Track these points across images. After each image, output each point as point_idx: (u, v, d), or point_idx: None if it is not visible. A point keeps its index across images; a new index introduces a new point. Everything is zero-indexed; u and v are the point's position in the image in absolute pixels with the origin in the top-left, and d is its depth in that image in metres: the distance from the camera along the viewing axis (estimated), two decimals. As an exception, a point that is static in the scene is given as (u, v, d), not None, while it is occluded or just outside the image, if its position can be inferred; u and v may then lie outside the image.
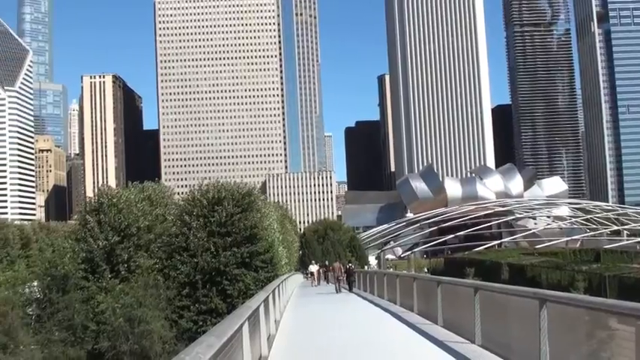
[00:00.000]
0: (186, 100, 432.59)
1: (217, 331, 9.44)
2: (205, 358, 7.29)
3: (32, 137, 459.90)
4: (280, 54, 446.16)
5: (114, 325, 49.45)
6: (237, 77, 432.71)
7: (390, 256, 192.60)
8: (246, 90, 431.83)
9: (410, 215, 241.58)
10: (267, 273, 59.15)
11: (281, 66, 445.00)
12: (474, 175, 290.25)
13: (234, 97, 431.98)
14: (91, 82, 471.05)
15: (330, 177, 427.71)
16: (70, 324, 53.06)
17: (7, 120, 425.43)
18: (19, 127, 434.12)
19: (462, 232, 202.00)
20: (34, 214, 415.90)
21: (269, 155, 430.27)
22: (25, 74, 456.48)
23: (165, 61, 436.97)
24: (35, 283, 60.34)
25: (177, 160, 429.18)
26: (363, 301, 39.18)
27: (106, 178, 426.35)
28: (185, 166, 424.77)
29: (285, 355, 17.81)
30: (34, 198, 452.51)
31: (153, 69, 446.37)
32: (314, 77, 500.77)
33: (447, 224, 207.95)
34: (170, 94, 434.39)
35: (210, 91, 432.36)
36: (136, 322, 49.02)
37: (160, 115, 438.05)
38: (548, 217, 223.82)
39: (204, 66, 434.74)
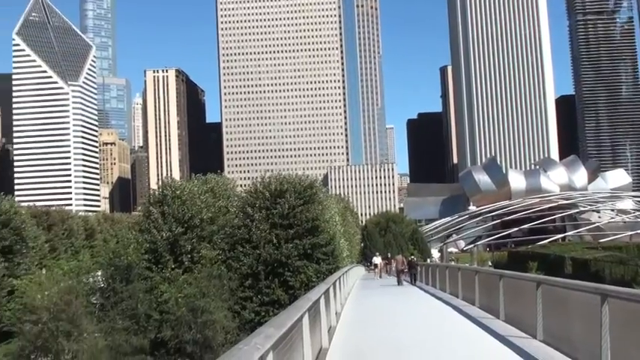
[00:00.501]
0: (249, 93, 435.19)
1: (276, 322, 9.44)
2: (263, 348, 7.30)
3: (96, 131, 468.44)
4: (341, 46, 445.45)
5: (177, 315, 49.98)
6: (298, 70, 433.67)
7: (452, 249, 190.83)
8: (307, 82, 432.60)
9: (473, 208, 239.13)
10: (329, 265, 59.15)
11: (342, 58, 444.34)
12: (537, 167, 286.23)
13: (295, 90, 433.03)
14: (154, 77, 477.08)
15: (392, 169, 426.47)
16: (134, 313, 53.81)
17: (72, 114, 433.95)
18: (84, 120, 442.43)
19: (525, 225, 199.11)
20: (99, 206, 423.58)
21: (331, 147, 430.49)
22: (89, 69, 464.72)
23: (227, 55, 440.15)
24: (99, 273, 61.33)
25: (239, 152, 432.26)
26: (424, 294, 38.96)
27: (170, 170, 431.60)
28: (247, 158, 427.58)
29: (345, 347, 17.75)
30: (98, 190, 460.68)
31: (215, 63, 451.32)
32: (375, 69, 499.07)
33: (510, 217, 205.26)
34: (232, 87, 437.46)
35: (271, 84, 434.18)
36: (199, 312, 49.47)
37: (223, 109, 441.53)
38: (612, 210, 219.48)
39: (266, 59, 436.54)
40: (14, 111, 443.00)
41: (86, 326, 47.53)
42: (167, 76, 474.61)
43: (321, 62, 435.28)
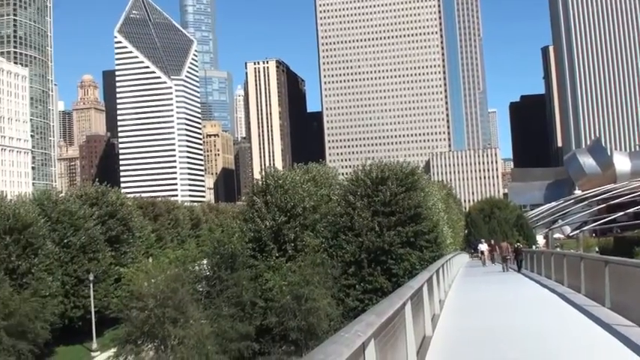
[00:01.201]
0: (349, 81, 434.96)
1: (378, 309, 9.43)
2: (365, 336, 7.30)
3: (200, 123, 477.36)
4: (441, 30, 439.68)
5: (281, 302, 50.58)
6: (398, 56, 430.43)
7: (558, 235, 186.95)
8: (407, 69, 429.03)
9: (578, 192, 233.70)
10: (432, 252, 58.83)
11: (442, 42, 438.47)
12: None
13: (395, 77, 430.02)
14: (255, 68, 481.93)
15: (495, 154, 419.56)
16: (239, 300, 54.72)
17: (175, 107, 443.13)
18: (187, 113, 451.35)
19: (631, 210, 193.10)
20: (204, 196, 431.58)
21: (432, 134, 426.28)
22: (191, 63, 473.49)
23: (326, 44, 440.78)
24: (204, 262, 62.60)
25: (340, 141, 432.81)
26: (529, 281, 38.32)
27: (272, 160, 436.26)
28: (348, 146, 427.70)
29: (449, 336, 17.60)
30: (203, 181, 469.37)
31: (315, 52, 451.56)
32: (476, 52, 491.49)
33: (615, 201, 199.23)
34: (332, 75, 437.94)
35: (371, 72, 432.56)
36: (303, 299, 49.93)
37: (323, 97, 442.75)
38: None
39: (365, 46, 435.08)
40: (118, 106, 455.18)
41: (192, 313, 48.56)
42: (268, 67, 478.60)
43: (421, 47, 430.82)
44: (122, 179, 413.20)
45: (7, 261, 67.36)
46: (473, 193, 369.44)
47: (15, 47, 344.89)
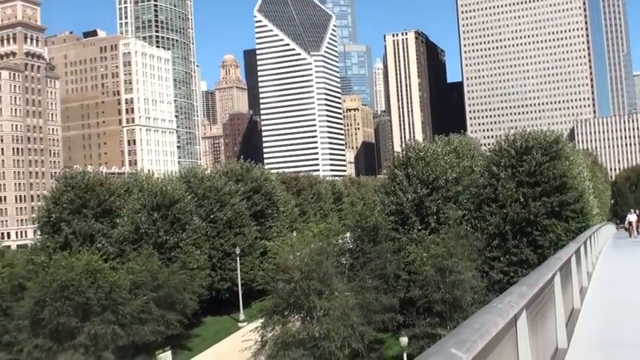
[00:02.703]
0: (489, 49, 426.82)
1: (528, 281, 9.34)
2: (517, 307, 7.29)
3: (339, 98, 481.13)
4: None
5: (425, 275, 50.53)
6: (539, 21, 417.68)
7: None
8: (548, 33, 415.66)
9: None
10: (578, 223, 57.30)
11: (584, 4, 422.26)
12: None
13: (537, 42, 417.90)
14: (393, 40, 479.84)
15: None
16: (382, 273, 55.05)
17: (315, 83, 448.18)
18: (327, 88, 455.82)
19: None
20: (345, 170, 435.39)
21: (576, 100, 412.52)
22: (330, 38, 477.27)
23: (466, 12, 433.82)
24: (347, 235, 63.19)
25: (481, 110, 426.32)
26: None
27: (413, 132, 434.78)
28: (490, 116, 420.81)
29: (598, 309, 17.16)
30: (344, 155, 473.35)
31: (454, 21, 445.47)
32: (619, 12, 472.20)
33: None
34: (472, 44, 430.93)
35: (512, 38, 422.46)
36: (446, 271, 49.73)
37: (463, 67, 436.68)
38: None
39: (505, 12, 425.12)
40: (260, 84, 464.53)
41: (337, 285, 49.19)
42: (406, 39, 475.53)
43: (562, 10, 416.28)
44: (265, 155, 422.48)
45: (155, 236, 70.30)
46: (619, 162, 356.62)
47: (157, 31, 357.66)
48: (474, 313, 6.65)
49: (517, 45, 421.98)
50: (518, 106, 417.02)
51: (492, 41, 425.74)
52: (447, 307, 49.46)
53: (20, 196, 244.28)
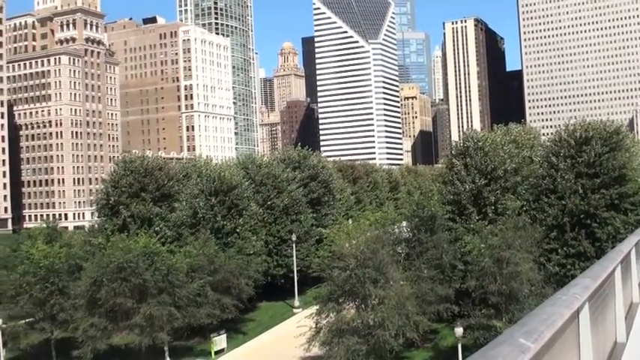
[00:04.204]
0: (548, 37, 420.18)
1: (591, 273, 9.27)
2: (581, 298, 7.28)
3: (397, 86, 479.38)
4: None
5: (481, 266, 50.17)
6: (599, 7, 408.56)
7: None
8: (609, 20, 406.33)
9: None
10: (637, 216, 56.40)
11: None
12: None
13: (597, 30, 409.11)
14: (452, 28, 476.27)
15: None
16: (439, 263, 54.90)
17: (373, 71, 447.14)
18: (385, 77, 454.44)
19: None
20: (402, 159, 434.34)
21: (636, 89, 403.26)
22: (388, 26, 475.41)
23: None
24: (404, 224, 63.06)
25: (541, 100, 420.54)
26: None
27: (471, 121, 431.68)
28: (550, 106, 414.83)
29: None
30: (401, 143, 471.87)
31: (514, 8, 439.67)
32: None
33: None
34: (532, 32, 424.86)
35: (572, 25, 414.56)
36: (504, 263, 49.29)
37: (523, 55, 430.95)
38: None
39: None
40: (318, 72, 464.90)
41: (392, 274, 49.12)
42: (466, 27, 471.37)
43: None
44: (322, 143, 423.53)
45: (213, 221, 71.11)
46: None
47: (216, 19, 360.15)
48: (530, 306, 6.69)
49: (577, 32, 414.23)
50: (578, 95, 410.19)
51: (552, 29, 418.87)
52: (503, 299, 49.03)
53: (78, 178, 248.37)
